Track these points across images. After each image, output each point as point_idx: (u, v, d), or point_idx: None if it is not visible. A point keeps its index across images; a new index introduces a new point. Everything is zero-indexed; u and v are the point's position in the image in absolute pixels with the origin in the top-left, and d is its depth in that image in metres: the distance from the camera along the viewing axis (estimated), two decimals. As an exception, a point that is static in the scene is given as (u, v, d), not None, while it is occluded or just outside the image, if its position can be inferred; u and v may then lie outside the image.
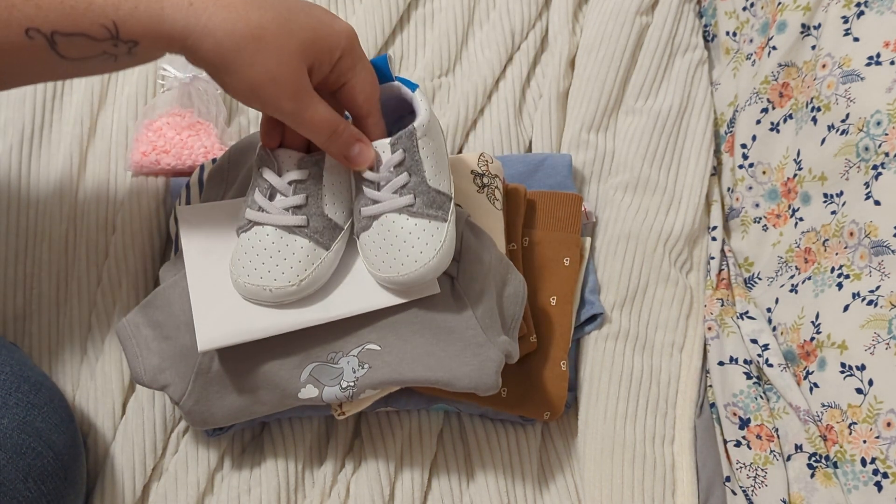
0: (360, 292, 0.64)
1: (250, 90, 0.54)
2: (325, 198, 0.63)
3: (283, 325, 0.62)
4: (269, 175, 0.62)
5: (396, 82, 0.65)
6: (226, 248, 0.65)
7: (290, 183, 0.62)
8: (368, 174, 0.62)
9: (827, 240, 0.73)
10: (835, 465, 0.67)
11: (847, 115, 0.73)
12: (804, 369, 0.72)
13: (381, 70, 0.64)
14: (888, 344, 0.65)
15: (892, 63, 0.71)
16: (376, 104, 0.62)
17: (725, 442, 0.73)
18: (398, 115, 0.68)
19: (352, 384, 0.63)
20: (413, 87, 0.65)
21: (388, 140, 0.62)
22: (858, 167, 0.71)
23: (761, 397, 0.73)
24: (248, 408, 0.65)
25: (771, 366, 0.73)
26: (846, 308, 0.69)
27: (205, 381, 0.64)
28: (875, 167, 0.70)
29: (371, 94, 0.61)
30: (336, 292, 0.64)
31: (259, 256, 0.62)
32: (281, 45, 0.54)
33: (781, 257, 0.78)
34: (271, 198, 0.62)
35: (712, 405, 0.75)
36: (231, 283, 0.64)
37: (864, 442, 0.65)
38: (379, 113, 0.63)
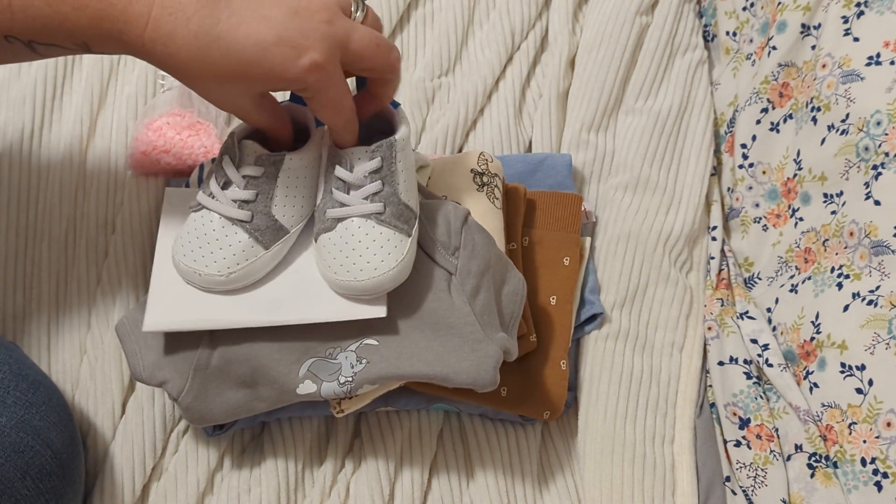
0: (311, 302, 0.64)
1: (201, 95, 0.59)
2: (275, 198, 0.63)
3: (231, 321, 0.63)
4: (227, 165, 0.63)
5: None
6: None
7: (244, 177, 0.63)
8: (343, 174, 0.62)
9: (827, 240, 0.73)
10: (835, 465, 0.67)
11: (847, 115, 0.73)
12: (804, 369, 0.72)
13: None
14: (888, 344, 0.65)
15: (892, 63, 0.71)
16: (344, 116, 0.61)
17: (725, 442, 0.73)
18: (375, 130, 0.68)
19: (350, 379, 0.63)
20: (395, 104, 0.66)
21: (367, 147, 0.62)
22: (858, 167, 0.71)
23: (761, 397, 0.73)
24: (246, 404, 0.65)
25: (771, 366, 0.73)
26: (846, 308, 0.69)
27: (203, 378, 0.64)
28: (875, 167, 0.70)
29: (338, 110, 0.60)
30: (289, 297, 0.64)
31: (199, 240, 0.63)
32: (230, 90, 0.57)
33: (781, 257, 0.78)
34: (224, 187, 0.63)
35: (712, 405, 0.75)
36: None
37: (864, 442, 0.65)
38: (348, 122, 0.61)
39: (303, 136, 0.67)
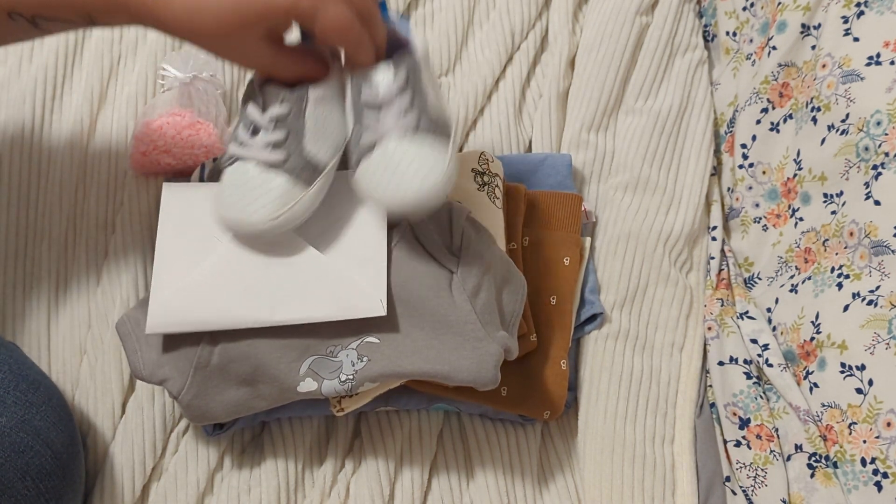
0: (312, 302, 0.64)
1: (217, 54, 0.59)
2: (306, 135, 0.63)
3: (232, 321, 0.63)
4: (252, 111, 0.62)
5: (387, 24, 0.64)
6: (199, 233, 0.66)
7: (271, 119, 0.62)
8: (371, 96, 0.62)
9: (827, 240, 0.73)
10: (835, 465, 0.67)
11: (847, 115, 0.73)
12: (804, 369, 0.72)
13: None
14: (888, 344, 0.65)
15: (892, 63, 0.71)
16: (352, 36, 0.59)
17: (725, 442, 0.73)
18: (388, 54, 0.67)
19: (351, 377, 0.63)
20: (406, 21, 0.65)
21: (388, 63, 0.61)
22: (858, 167, 0.71)
23: (761, 397, 0.73)
24: (247, 402, 0.65)
25: (771, 366, 0.73)
26: (846, 308, 0.69)
27: (204, 376, 0.64)
28: (875, 167, 0.70)
29: (343, 31, 0.58)
30: (290, 297, 0.64)
31: (238, 190, 0.62)
32: (237, 40, 0.57)
33: (781, 257, 0.78)
34: (254, 133, 0.63)
35: (712, 405, 0.75)
36: (196, 274, 0.64)
37: (864, 442, 0.65)
38: (358, 42, 0.60)
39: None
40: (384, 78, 0.61)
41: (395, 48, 0.65)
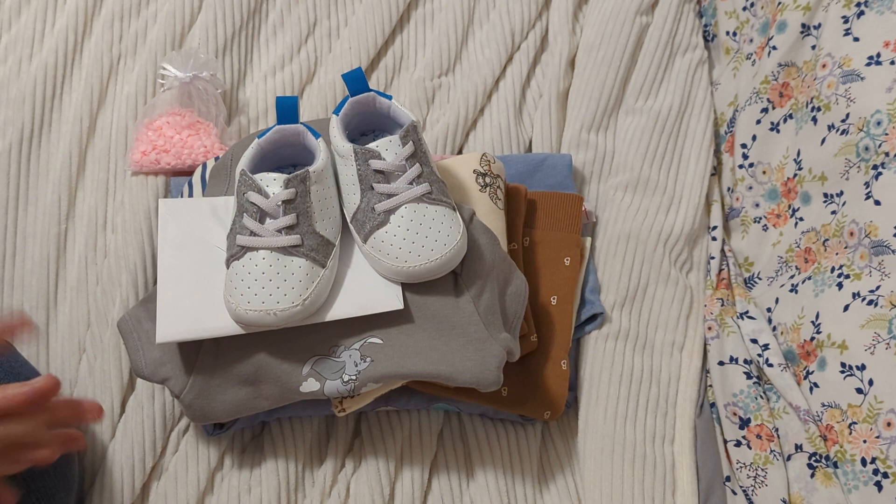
0: (326, 302, 0.64)
1: None
2: (314, 215, 0.63)
3: (239, 327, 0.62)
4: (255, 198, 0.61)
5: (371, 94, 0.67)
6: (200, 245, 0.66)
7: (279, 204, 0.61)
8: (381, 165, 0.63)
9: (827, 240, 0.73)
10: (835, 465, 0.67)
11: (847, 115, 0.73)
12: (804, 369, 0.72)
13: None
14: (888, 344, 0.65)
15: (892, 63, 0.71)
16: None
17: (725, 442, 0.73)
18: (367, 129, 0.70)
19: (353, 378, 0.63)
20: (388, 97, 0.67)
21: (397, 134, 0.63)
22: (858, 167, 0.71)
23: (761, 397, 0.73)
24: (249, 402, 0.65)
25: (771, 366, 0.73)
26: (846, 308, 0.69)
27: (206, 375, 0.64)
28: (875, 167, 0.70)
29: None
30: None
31: (258, 281, 0.60)
32: None
33: (781, 257, 0.78)
34: (261, 221, 0.61)
35: (712, 405, 0.75)
36: (201, 283, 0.64)
37: (865, 442, 0.65)
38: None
39: (302, 151, 0.67)
40: (388, 150, 0.63)
41: (384, 120, 0.67)
